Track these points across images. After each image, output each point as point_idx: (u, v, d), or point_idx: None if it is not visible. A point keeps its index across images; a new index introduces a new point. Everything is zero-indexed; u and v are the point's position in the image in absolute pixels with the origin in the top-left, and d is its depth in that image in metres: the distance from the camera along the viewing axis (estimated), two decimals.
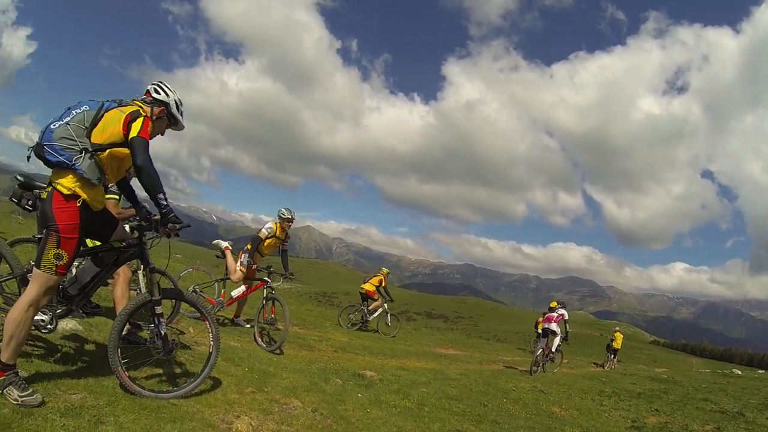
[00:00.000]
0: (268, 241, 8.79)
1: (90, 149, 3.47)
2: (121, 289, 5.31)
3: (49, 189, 3.45)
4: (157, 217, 3.73)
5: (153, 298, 4.00)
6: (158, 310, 4.05)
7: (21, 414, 3.14)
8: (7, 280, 4.15)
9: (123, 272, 5.37)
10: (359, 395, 5.96)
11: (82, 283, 4.03)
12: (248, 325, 8.86)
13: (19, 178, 4.90)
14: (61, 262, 3.43)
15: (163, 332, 4.09)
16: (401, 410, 5.88)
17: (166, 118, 4.01)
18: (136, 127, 3.54)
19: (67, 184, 3.42)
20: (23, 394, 3.30)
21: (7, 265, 4.30)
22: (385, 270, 16.61)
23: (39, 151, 3.45)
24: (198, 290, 8.56)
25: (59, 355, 4.34)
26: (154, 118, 3.89)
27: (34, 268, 3.48)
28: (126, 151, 3.59)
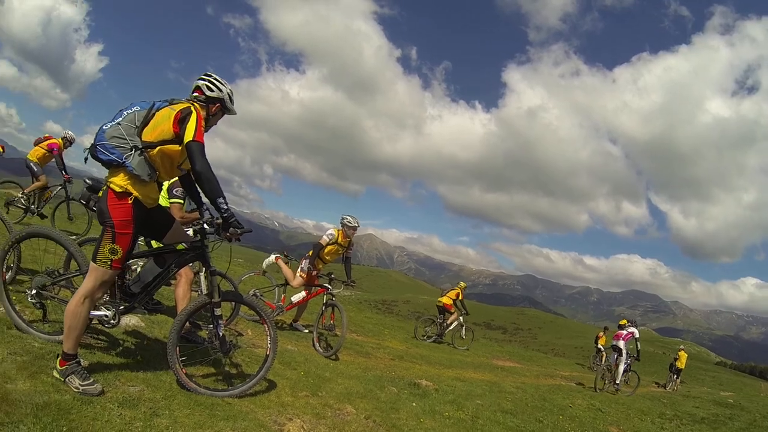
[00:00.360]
0: (329, 247, 8.79)
1: (140, 147, 3.54)
2: (183, 289, 5.48)
3: (104, 188, 3.56)
4: (219, 220, 3.72)
5: (212, 300, 4.05)
6: (217, 312, 4.10)
7: (81, 401, 3.24)
8: (74, 276, 4.33)
9: (185, 273, 5.52)
10: (413, 404, 5.82)
11: (144, 282, 4.13)
12: (306, 330, 8.91)
13: (87, 181, 5.20)
14: (115, 257, 3.52)
15: (221, 333, 4.13)
16: (455, 422, 5.71)
17: (222, 111, 4.00)
18: (190, 129, 3.52)
19: (119, 182, 3.51)
20: (84, 383, 3.41)
21: (76, 263, 4.47)
22: (462, 284, 16.50)
23: (93, 151, 3.58)
24: (258, 294, 8.66)
25: (121, 349, 4.49)
26: (211, 115, 3.92)
27: (90, 262, 3.59)
28: (177, 148, 3.60)
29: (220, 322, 4.11)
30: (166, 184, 5.92)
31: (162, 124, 3.58)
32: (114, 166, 3.53)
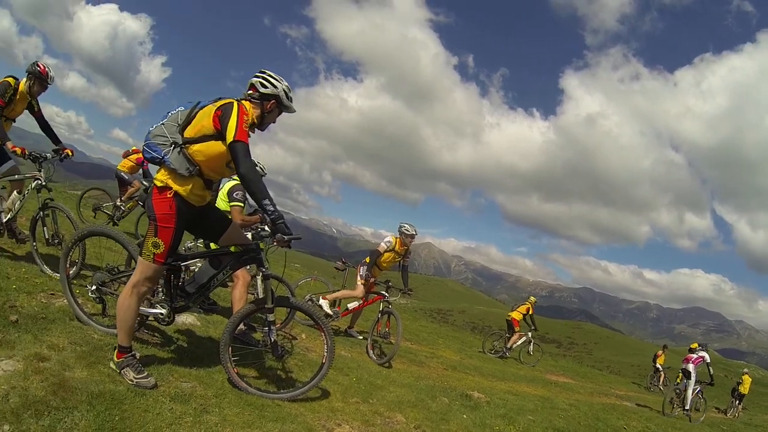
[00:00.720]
0: (387, 255, 8.75)
1: (180, 143, 3.58)
2: (240, 291, 5.52)
3: (151, 185, 3.66)
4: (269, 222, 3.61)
5: (266, 305, 4.04)
6: (270, 317, 4.09)
7: (134, 393, 3.30)
8: (131, 273, 4.43)
9: (242, 276, 5.57)
10: (464, 416, 5.62)
11: (199, 283, 4.18)
12: (361, 337, 8.88)
13: (144, 183, 5.39)
14: (158, 251, 3.56)
15: (273, 339, 4.12)
16: None
17: (278, 108, 3.89)
18: (231, 128, 3.45)
19: (160, 177, 3.59)
20: (138, 376, 3.48)
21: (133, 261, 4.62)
22: (533, 299, 16.18)
23: (143, 152, 3.69)
24: (315, 300, 8.68)
25: (176, 345, 4.58)
26: (266, 113, 3.83)
27: (138, 256, 3.67)
28: (221, 145, 3.55)
29: (272, 327, 4.10)
30: (226, 188, 5.99)
31: (202, 121, 3.58)
32: (157, 164, 3.63)
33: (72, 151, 5.76)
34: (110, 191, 11.67)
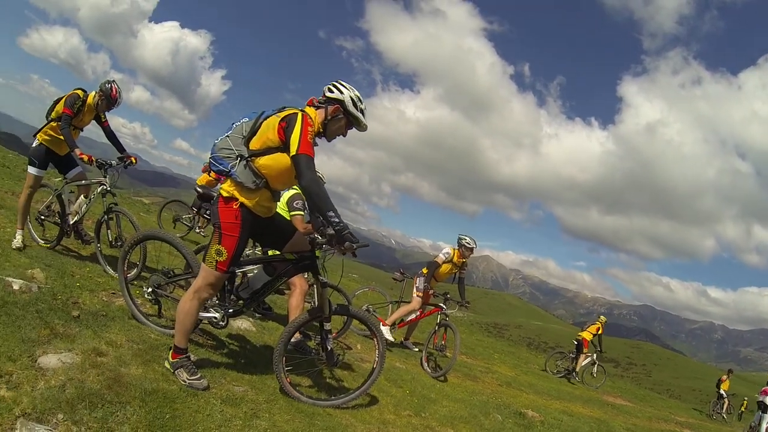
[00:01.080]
0: (444, 266, 8.61)
1: (245, 156, 3.56)
2: (297, 299, 5.48)
3: (217, 194, 3.68)
4: (331, 231, 3.45)
5: (323, 314, 3.98)
6: (327, 326, 4.02)
7: (187, 393, 3.30)
8: (186, 277, 4.48)
9: (300, 284, 5.54)
10: None
11: (253, 289, 4.17)
12: (416, 349, 8.70)
13: (198, 189, 5.61)
14: (221, 258, 3.54)
15: (329, 347, 4.06)
16: None
17: (344, 116, 3.78)
18: (294, 140, 3.40)
19: (226, 188, 3.60)
20: (191, 377, 3.47)
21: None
22: (603, 318, 15.56)
23: (209, 165, 3.78)
24: (371, 310, 8.63)
25: (230, 349, 4.57)
26: (329, 118, 3.74)
27: (201, 263, 3.69)
28: (285, 156, 3.49)
29: (328, 336, 4.04)
30: (285, 197, 5.97)
31: (267, 132, 3.55)
32: (224, 176, 3.63)
33: (136, 159, 5.96)
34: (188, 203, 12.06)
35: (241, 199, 3.55)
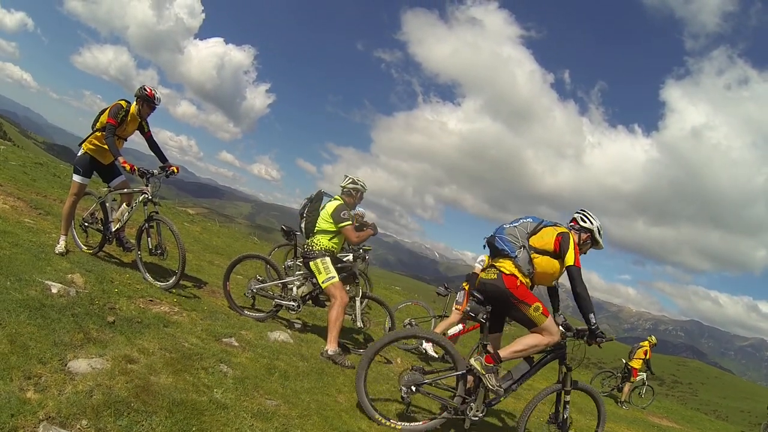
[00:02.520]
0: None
1: (527, 248, 4.32)
2: (337, 312, 5.38)
3: (493, 270, 4.34)
4: (587, 329, 4.31)
5: (565, 388, 4.68)
6: (567, 398, 4.72)
7: (216, 405, 3.17)
8: (274, 284, 6.06)
9: (340, 296, 5.45)
10: None
11: (514, 378, 4.55)
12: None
13: (284, 228, 6.59)
14: (540, 312, 4.24)
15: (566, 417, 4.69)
16: None
17: (590, 242, 4.63)
18: (570, 254, 4.23)
19: (508, 267, 4.26)
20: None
21: (276, 273, 6.32)
22: (653, 339, 14.74)
23: (491, 239, 4.49)
24: (414, 324, 8.47)
25: (266, 361, 4.43)
26: (580, 242, 4.56)
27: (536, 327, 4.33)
28: (555, 262, 4.30)
29: (567, 407, 4.68)
30: (329, 208, 5.81)
31: (546, 238, 4.35)
32: (503, 256, 4.35)
33: (178, 169, 5.99)
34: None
35: (520, 278, 4.23)
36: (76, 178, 5.73)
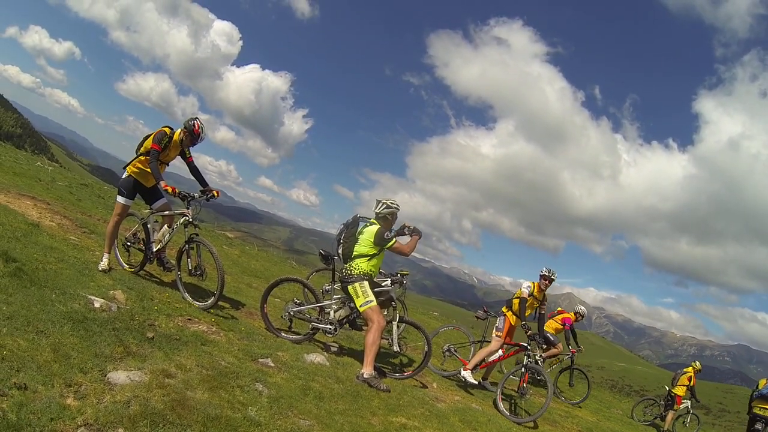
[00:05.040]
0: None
1: None
2: (373, 336, 5.40)
3: None
4: None
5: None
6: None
7: (250, 422, 3.15)
8: (311, 307, 6.18)
9: (377, 320, 5.45)
10: None
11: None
12: (494, 389, 8.09)
13: (322, 252, 6.54)
14: None
15: None
16: None
17: None
18: None
19: None
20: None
21: (313, 297, 6.29)
22: (697, 365, 13.88)
23: None
24: (453, 350, 8.28)
25: (301, 382, 4.40)
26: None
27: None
28: None
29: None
30: (371, 233, 5.81)
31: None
32: None
33: (218, 192, 6.12)
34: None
35: None
36: (120, 199, 5.92)
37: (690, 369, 13.34)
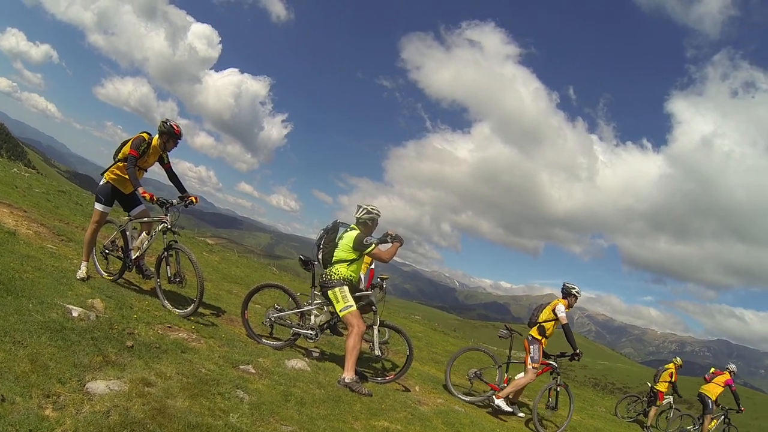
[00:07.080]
0: (548, 324, 7.61)
1: None
2: (354, 340, 5.46)
3: None
4: None
5: None
6: None
7: (231, 429, 3.18)
8: (291, 312, 6.19)
9: (357, 324, 5.50)
10: None
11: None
12: (521, 414, 7.82)
13: (302, 257, 6.30)
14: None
15: None
16: None
17: None
18: None
19: None
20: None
21: (294, 303, 6.21)
22: (678, 361, 14.10)
23: None
24: (479, 374, 7.85)
25: (282, 388, 4.41)
26: None
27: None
28: None
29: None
30: (350, 239, 5.81)
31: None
32: None
33: (197, 199, 6.10)
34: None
35: None
36: (98, 206, 5.87)
37: (671, 365, 13.63)
